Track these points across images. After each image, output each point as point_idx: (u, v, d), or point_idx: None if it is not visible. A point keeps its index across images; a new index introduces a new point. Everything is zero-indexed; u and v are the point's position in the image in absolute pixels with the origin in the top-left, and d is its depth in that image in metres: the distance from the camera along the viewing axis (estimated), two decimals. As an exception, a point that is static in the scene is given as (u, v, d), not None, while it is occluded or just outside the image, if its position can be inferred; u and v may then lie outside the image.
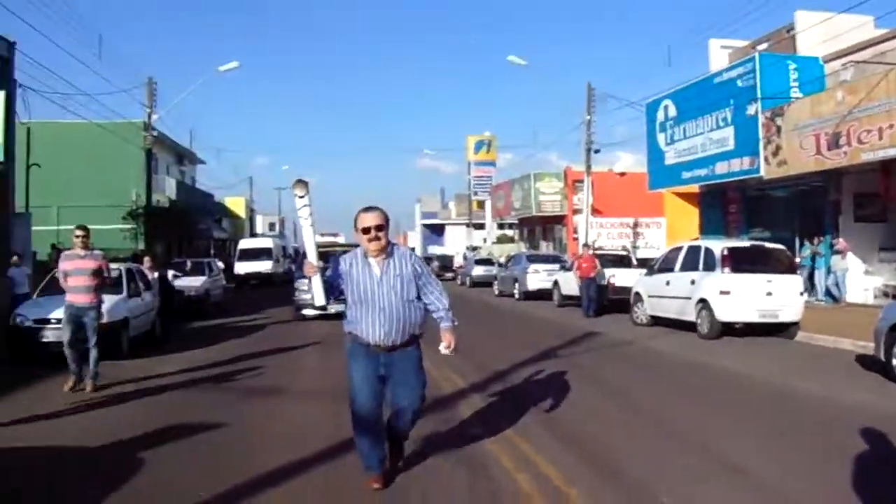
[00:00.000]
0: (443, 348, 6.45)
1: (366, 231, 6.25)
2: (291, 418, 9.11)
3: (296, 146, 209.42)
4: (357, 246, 6.57)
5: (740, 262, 16.99)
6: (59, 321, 13.82)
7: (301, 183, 6.67)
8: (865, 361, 12.97)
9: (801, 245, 24.84)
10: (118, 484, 6.46)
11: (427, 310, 6.50)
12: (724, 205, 29.98)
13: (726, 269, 16.81)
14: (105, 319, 13.99)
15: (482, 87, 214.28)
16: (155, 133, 36.83)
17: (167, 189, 49.58)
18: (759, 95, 24.19)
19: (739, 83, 25.34)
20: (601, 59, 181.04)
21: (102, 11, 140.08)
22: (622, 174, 46.66)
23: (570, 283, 25.89)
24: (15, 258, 20.40)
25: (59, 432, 8.60)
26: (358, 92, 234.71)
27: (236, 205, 78.20)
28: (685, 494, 6.19)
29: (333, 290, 6.46)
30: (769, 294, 16.55)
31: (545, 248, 52.33)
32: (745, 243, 19.66)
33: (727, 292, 16.55)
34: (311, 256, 6.52)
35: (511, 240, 61.33)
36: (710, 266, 17.25)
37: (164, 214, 41.92)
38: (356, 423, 6.37)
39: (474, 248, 61.37)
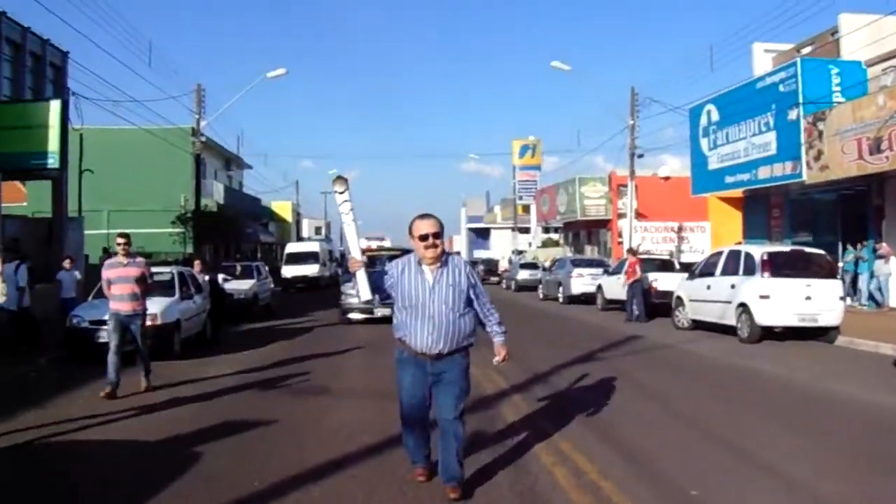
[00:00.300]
0: (496, 361, 6.50)
1: (423, 238, 6.18)
2: (340, 416, 9.46)
3: (342, 150, 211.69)
4: (407, 251, 6.61)
5: (780, 266, 17.14)
6: (115, 323, 14.49)
7: (341, 179, 6.68)
8: (905, 366, 13.09)
9: (845, 249, 24.86)
10: (176, 474, 6.90)
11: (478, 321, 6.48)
12: (767, 209, 30.01)
13: (766, 274, 16.95)
14: (158, 321, 14.63)
15: (528, 91, 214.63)
16: (203, 138, 37.50)
17: (215, 193, 50.38)
18: (800, 100, 24.20)
19: (781, 88, 25.37)
20: (646, 64, 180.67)
21: (152, 21, 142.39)
22: (667, 178, 46.71)
23: (613, 288, 26.15)
24: (66, 262, 20.52)
25: (118, 428, 9.07)
26: (404, 97, 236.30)
27: (283, 209, 79.04)
28: (715, 489, 6.46)
29: (379, 289, 6.40)
30: (808, 298, 16.67)
31: (590, 252, 52.36)
32: (786, 248, 19.79)
33: (767, 296, 16.70)
34: (355, 252, 6.51)
35: (556, 244, 61.41)
36: (750, 270, 17.41)
37: (212, 219, 42.58)
38: (404, 424, 6.51)
39: (520, 252, 61.68)
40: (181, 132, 40.45)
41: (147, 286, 11.91)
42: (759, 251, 17.74)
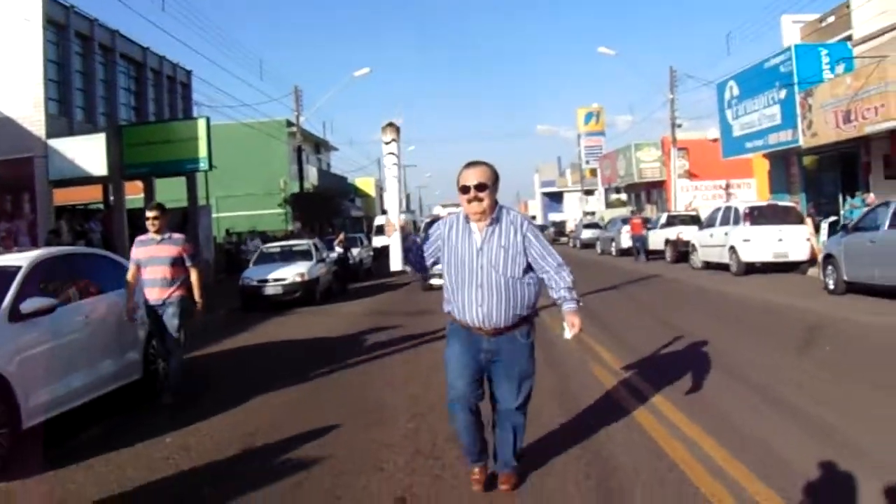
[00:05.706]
0: (567, 334, 5.40)
1: (464, 190, 5.21)
2: (435, 320, 14.92)
3: (420, 127, 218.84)
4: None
5: (758, 217, 22.66)
6: (275, 280, 20.70)
7: (391, 127, 5.60)
8: (829, 283, 18.36)
9: (844, 200, 29.47)
10: (356, 347, 13.08)
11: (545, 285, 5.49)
12: (786, 168, 34.70)
13: (747, 223, 22.47)
14: (306, 278, 20.81)
15: (589, 67, 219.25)
16: (298, 130, 43.75)
17: (310, 176, 56.19)
18: (794, 80, 28.94)
19: (782, 69, 30.07)
20: (689, 41, 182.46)
21: (252, 28, 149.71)
22: (715, 140, 50.98)
23: (653, 240, 32.18)
24: None
25: (302, 334, 15.31)
26: (478, 77, 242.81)
27: (366, 185, 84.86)
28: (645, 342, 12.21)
29: (413, 255, 5.55)
30: (780, 240, 22.07)
31: (649, 210, 56.72)
32: (763, 203, 25.31)
33: (748, 240, 22.23)
34: (393, 214, 5.53)
35: (623, 204, 65.21)
36: (736, 221, 22.94)
37: (310, 199, 48.08)
38: (453, 413, 5.45)
39: (591, 214, 66.64)
40: (276, 124, 46.61)
41: (186, 270, 9.32)
42: (742, 206, 23.35)
